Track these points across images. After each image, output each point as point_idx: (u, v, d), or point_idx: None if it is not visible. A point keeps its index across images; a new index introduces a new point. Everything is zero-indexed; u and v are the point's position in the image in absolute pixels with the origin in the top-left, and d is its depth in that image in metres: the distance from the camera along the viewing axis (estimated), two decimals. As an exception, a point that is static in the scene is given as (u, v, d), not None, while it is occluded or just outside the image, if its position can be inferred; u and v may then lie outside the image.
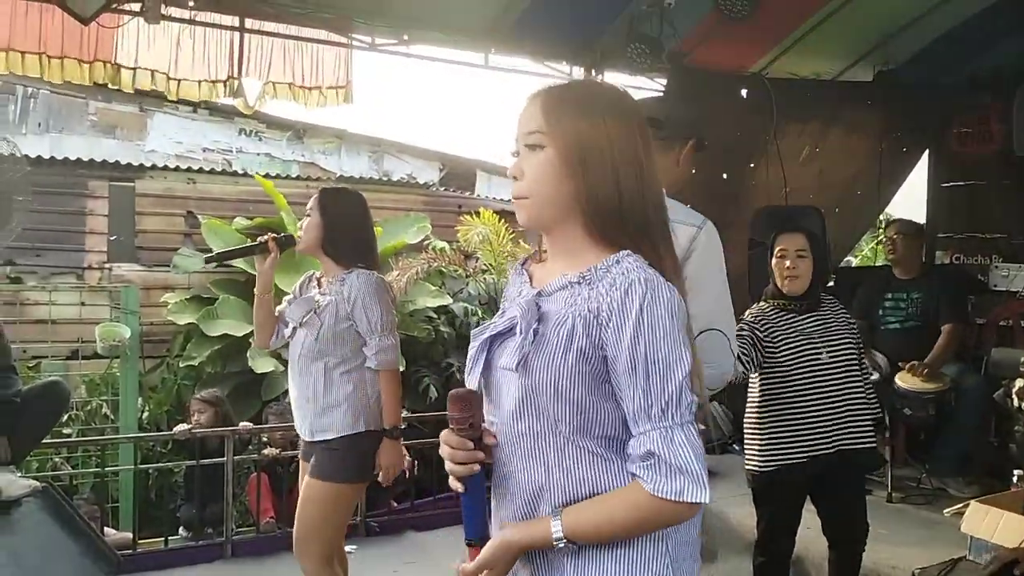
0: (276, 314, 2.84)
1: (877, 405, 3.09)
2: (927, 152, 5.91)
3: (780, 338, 2.94)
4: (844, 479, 2.97)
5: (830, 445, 2.90)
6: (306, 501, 2.69)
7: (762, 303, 3.06)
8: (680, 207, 2.16)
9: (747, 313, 3.04)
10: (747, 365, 2.92)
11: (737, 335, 2.77)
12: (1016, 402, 3.80)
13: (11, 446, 3.65)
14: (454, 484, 1.33)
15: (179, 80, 4.98)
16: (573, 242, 1.31)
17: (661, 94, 5.22)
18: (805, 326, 2.96)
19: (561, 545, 1.24)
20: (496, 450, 1.33)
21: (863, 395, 3.00)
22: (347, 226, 2.76)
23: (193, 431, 4.60)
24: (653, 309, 1.21)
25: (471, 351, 1.37)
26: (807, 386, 2.92)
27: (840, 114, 5.65)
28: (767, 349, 2.94)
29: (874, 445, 3.04)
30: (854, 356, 3.00)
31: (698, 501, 1.20)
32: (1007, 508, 3.05)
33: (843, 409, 2.92)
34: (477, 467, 1.31)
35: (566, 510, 1.25)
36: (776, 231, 3.08)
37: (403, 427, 2.90)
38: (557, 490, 1.27)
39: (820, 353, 2.93)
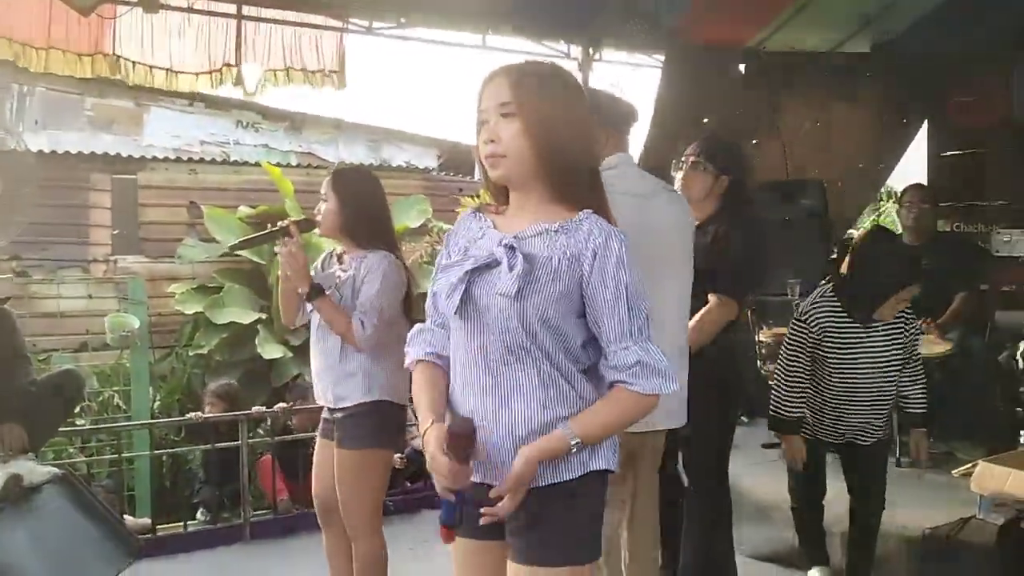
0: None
1: (923, 400, 3.10)
2: (926, 122, 5.93)
3: (828, 335, 2.94)
4: (860, 460, 3.13)
5: (840, 437, 3.07)
6: (340, 475, 2.74)
7: (828, 293, 3.00)
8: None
9: (812, 299, 3.02)
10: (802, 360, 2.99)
11: (796, 329, 2.98)
12: (1022, 364, 3.86)
13: (29, 434, 3.69)
14: (446, 494, 1.55)
15: (177, 73, 4.98)
16: (539, 197, 1.60)
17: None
18: (860, 333, 2.94)
19: (575, 449, 1.54)
20: (482, 367, 1.59)
21: (891, 399, 3.07)
22: (364, 205, 2.79)
23: (206, 417, 4.64)
24: (625, 257, 1.55)
25: (449, 280, 1.59)
26: (835, 382, 2.98)
27: (840, 87, 5.67)
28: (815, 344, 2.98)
29: (882, 438, 3.16)
30: (896, 364, 2.99)
31: (670, 391, 1.57)
32: (1015, 466, 3.09)
33: (865, 411, 3.02)
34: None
35: (571, 421, 1.55)
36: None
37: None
38: (539, 395, 1.56)
39: (859, 359, 2.95)
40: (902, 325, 2.99)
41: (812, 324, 2.95)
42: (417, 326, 1.76)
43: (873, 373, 2.97)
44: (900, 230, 5.02)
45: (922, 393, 3.10)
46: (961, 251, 4.62)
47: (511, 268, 1.53)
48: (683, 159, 2.95)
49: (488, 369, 1.58)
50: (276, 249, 2.85)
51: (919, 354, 3.13)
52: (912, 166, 6.22)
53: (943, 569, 3.03)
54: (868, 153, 5.87)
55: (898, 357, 2.99)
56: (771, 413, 3.10)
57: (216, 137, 9.92)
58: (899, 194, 4.97)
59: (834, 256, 5.49)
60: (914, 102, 5.76)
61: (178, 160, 8.67)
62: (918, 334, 3.08)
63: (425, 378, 1.69)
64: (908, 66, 5.50)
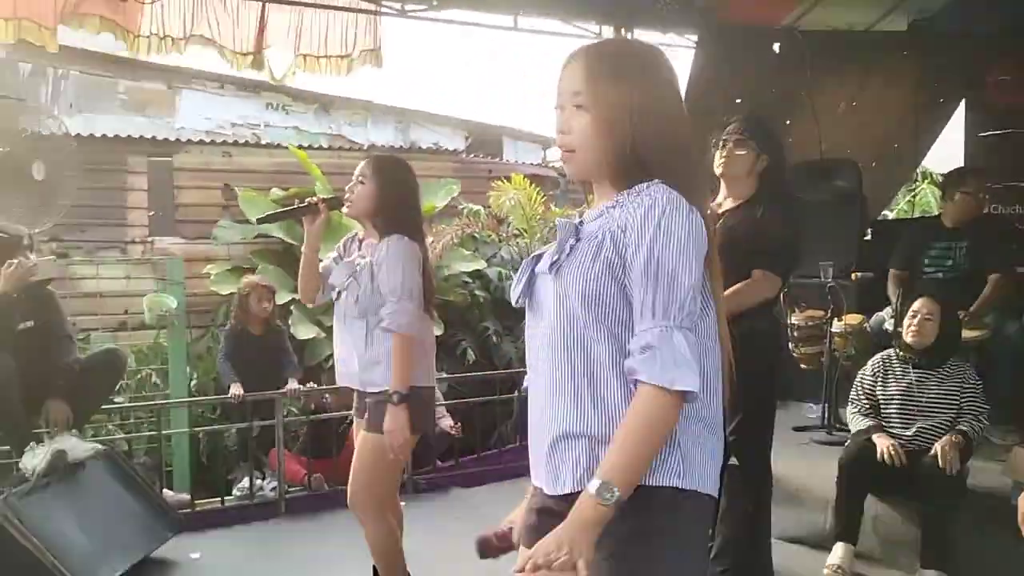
0: (321, 271, 2.91)
1: (975, 426, 3.34)
2: (963, 101, 5.83)
3: (886, 382, 3.45)
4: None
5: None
6: (358, 454, 2.79)
7: (890, 350, 3.51)
8: None
9: (873, 360, 3.52)
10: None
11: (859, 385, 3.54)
12: (1058, 348, 3.81)
13: (73, 412, 3.80)
14: None
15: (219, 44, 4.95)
16: (612, 189, 1.47)
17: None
18: (913, 378, 3.39)
19: (612, 502, 1.30)
20: (536, 355, 1.49)
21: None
22: (398, 196, 2.80)
23: (244, 397, 4.70)
24: (670, 223, 1.36)
25: (520, 272, 1.54)
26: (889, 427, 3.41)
27: (875, 66, 5.59)
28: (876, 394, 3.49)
29: None
30: (946, 422, 3.33)
31: (690, 389, 1.32)
32: (1050, 451, 3.08)
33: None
34: None
35: (598, 470, 1.33)
36: (917, 294, 3.46)
37: (407, 393, 2.68)
38: (585, 388, 1.40)
39: (912, 408, 3.39)
40: (951, 372, 3.38)
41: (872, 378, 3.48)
42: None
43: (924, 412, 3.37)
44: (937, 211, 4.96)
45: (977, 421, 3.34)
46: (998, 234, 4.54)
47: (560, 248, 1.44)
48: (725, 137, 2.96)
49: (540, 365, 1.47)
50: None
51: (981, 399, 3.40)
52: (948, 146, 6.13)
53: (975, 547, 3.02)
54: (904, 133, 5.79)
55: (947, 409, 3.36)
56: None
57: (247, 119, 10.05)
58: (945, 176, 4.89)
59: (868, 238, 5.44)
60: (951, 81, 5.67)
61: (212, 143, 8.76)
62: (978, 386, 3.40)
63: None
64: (945, 44, 5.41)
